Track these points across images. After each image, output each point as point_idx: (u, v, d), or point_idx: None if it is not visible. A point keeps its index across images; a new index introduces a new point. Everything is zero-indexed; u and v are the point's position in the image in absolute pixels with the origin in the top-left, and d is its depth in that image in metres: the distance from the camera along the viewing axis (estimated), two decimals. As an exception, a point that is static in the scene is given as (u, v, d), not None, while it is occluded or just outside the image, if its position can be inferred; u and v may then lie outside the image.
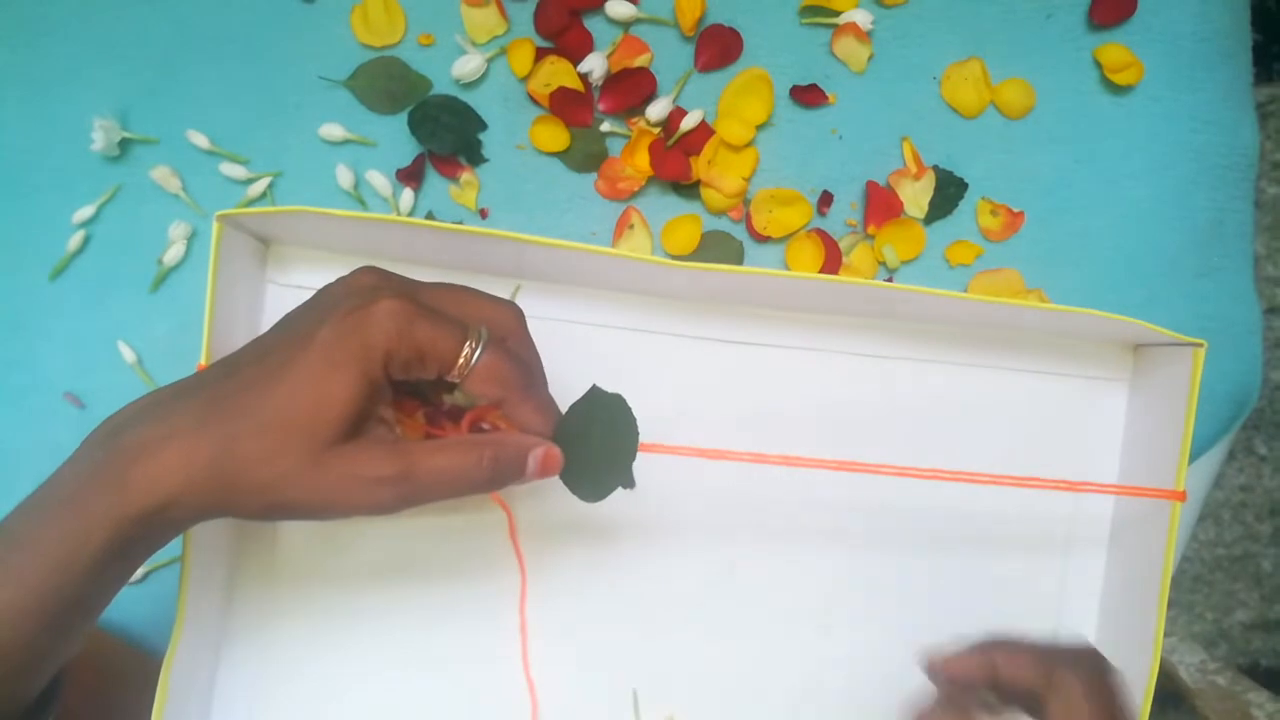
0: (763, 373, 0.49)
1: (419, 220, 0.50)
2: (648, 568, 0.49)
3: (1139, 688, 0.46)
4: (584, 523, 0.49)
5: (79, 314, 0.51)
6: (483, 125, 0.51)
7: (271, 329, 0.37)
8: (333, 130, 0.51)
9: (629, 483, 0.40)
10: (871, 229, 0.52)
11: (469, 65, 0.50)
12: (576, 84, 0.51)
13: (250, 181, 0.51)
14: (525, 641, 0.48)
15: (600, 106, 0.51)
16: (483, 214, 0.52)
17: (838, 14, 0.51)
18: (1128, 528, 0.50)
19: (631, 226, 0.52)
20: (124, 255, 0.51)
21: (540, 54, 0.51)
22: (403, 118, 0.51)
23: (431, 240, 0.44)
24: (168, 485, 0.33)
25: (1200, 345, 0.45)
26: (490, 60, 0.51)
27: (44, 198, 0.51)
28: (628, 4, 0.51)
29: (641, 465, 0.41)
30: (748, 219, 0.52)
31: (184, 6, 0.51)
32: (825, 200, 0.52)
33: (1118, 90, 0.52)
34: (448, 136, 0.51)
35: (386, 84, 0.51)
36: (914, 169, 0.52)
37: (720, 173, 0.51)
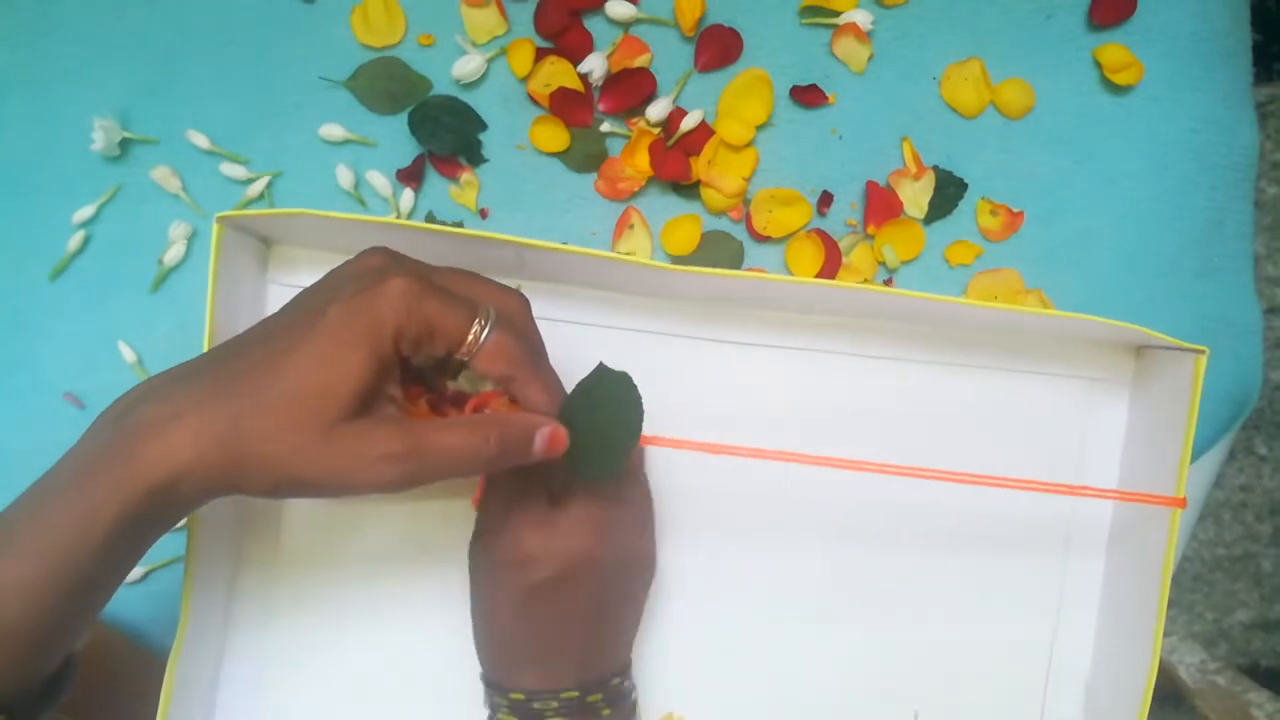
0: (763, 373, 0.50)
1: (419, 224, 0.50)
2: (648, 567, 0.49)
3: (1139, 688, 0.46)
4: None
5: (79, 314, 0.51)
6: (483, 125, 0.51)
7: (280, 310, 0.37)
8: (333, 130, 0.51)
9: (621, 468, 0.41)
10: (871, 229, 0.52)
11: (469, 65, 0.50)
12: (576, 84, 0.51)
13: (250, 181, 0.51)
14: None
15: (600, 107, 0.51)
16: (483, 214, 0.52)
17: (838, 14, 0.51)
18: (1128, 530, 0.50)
19: (631, 226, 0.52)
20: (124, 255, 0.51)
21: (540, 54, 0.51)
22: (403, 118, 0.51)
23: (432, 242, 0.44)
24: (177, 461, 0.33)
25: (1202, 352, 0.45)
26: (490, 60, 0.51)
27: (44, 198, 0.51)
28: (628, 4, 0.51)
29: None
30: (748, 219, 0.52)
31: (184, 6, 0.51)
32: (825, 200, 0.52)
33: (1117, 90, 0.52)
34: (448, 137, 0.51)
35: (386, 84, 0.51)
36: (914, 169, 0.52)
37: (720, 173, 0.51)
